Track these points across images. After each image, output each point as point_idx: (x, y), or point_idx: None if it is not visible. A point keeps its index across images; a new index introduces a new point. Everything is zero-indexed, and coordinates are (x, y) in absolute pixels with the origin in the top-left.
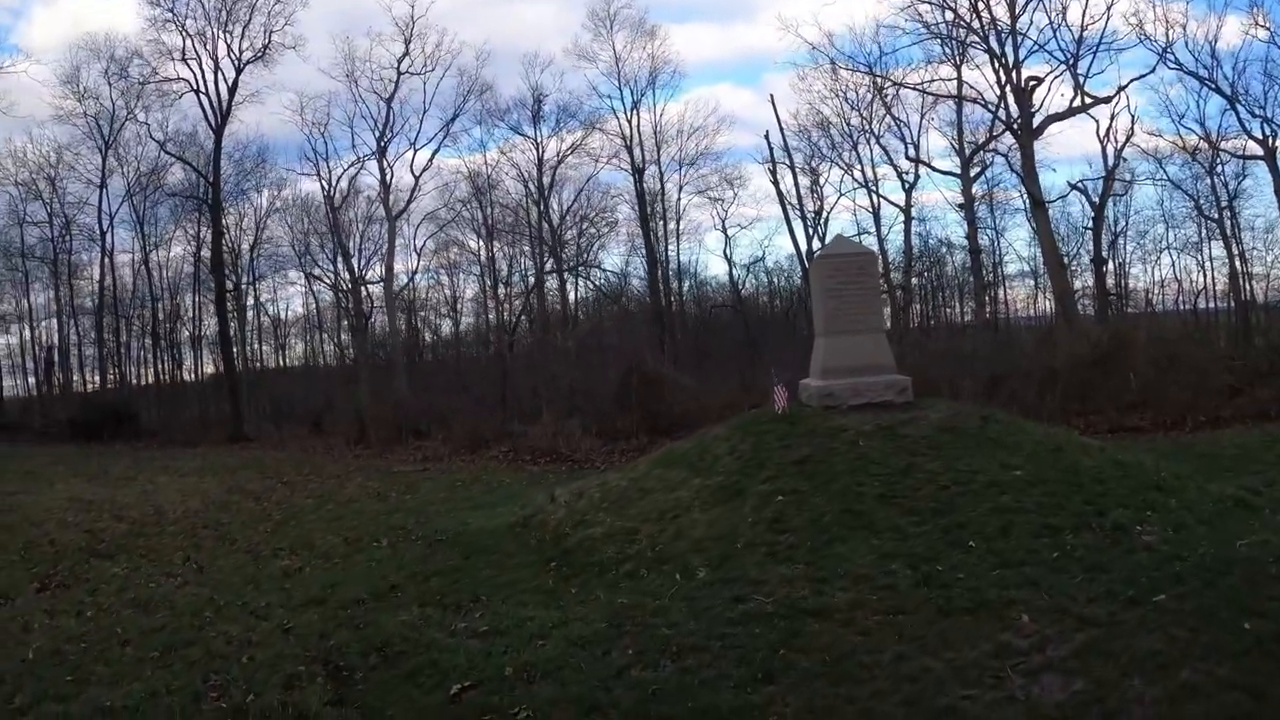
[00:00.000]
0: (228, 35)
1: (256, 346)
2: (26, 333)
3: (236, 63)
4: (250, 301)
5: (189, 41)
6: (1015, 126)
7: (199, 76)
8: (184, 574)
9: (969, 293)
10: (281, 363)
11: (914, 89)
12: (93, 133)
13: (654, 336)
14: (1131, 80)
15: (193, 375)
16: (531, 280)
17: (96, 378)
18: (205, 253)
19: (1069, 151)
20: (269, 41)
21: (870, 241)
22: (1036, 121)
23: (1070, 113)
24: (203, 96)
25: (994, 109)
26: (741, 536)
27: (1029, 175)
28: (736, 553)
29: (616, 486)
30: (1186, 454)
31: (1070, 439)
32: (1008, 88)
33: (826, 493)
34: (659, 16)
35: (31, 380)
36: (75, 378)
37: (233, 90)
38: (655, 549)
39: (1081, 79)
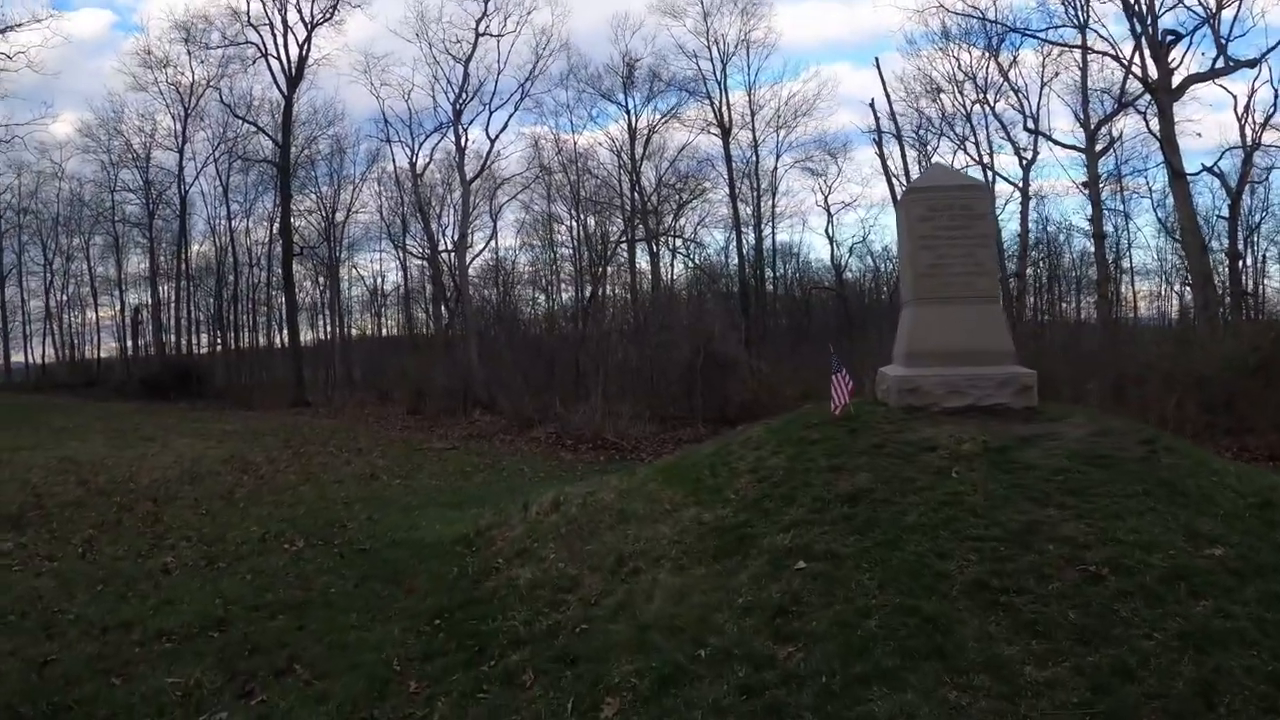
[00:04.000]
0: None
1: (355, 316)
2: (135, 297)
3: (307, 25)
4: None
5: (258, 4)
6: (1152, 85)
7: (269, 40)
8: (61, 560)
9: (1087, 287)
10: (379, 332)
11: (1034, 36)
12: (171, 102)
13: (733, 315)
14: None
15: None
16: (623, 251)
17: (185, 340)
18: (297, 221)
19: (1200, 143)
20: (337, 2)
21: None
22: (1176, 81)
23: (1212, 74)
24: (273, 60)
25: (1126, 64)
26: (716, 635)
27: (1168, 143)
28: (691, 673)
29: (599, 501)
30: None
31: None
32: (1143, 40)
33: (883, 566)
34: None
35: (130, 342)
36: (170, 339)
37: (303, 53)
38: (577, 630)
39: (1224, 39)
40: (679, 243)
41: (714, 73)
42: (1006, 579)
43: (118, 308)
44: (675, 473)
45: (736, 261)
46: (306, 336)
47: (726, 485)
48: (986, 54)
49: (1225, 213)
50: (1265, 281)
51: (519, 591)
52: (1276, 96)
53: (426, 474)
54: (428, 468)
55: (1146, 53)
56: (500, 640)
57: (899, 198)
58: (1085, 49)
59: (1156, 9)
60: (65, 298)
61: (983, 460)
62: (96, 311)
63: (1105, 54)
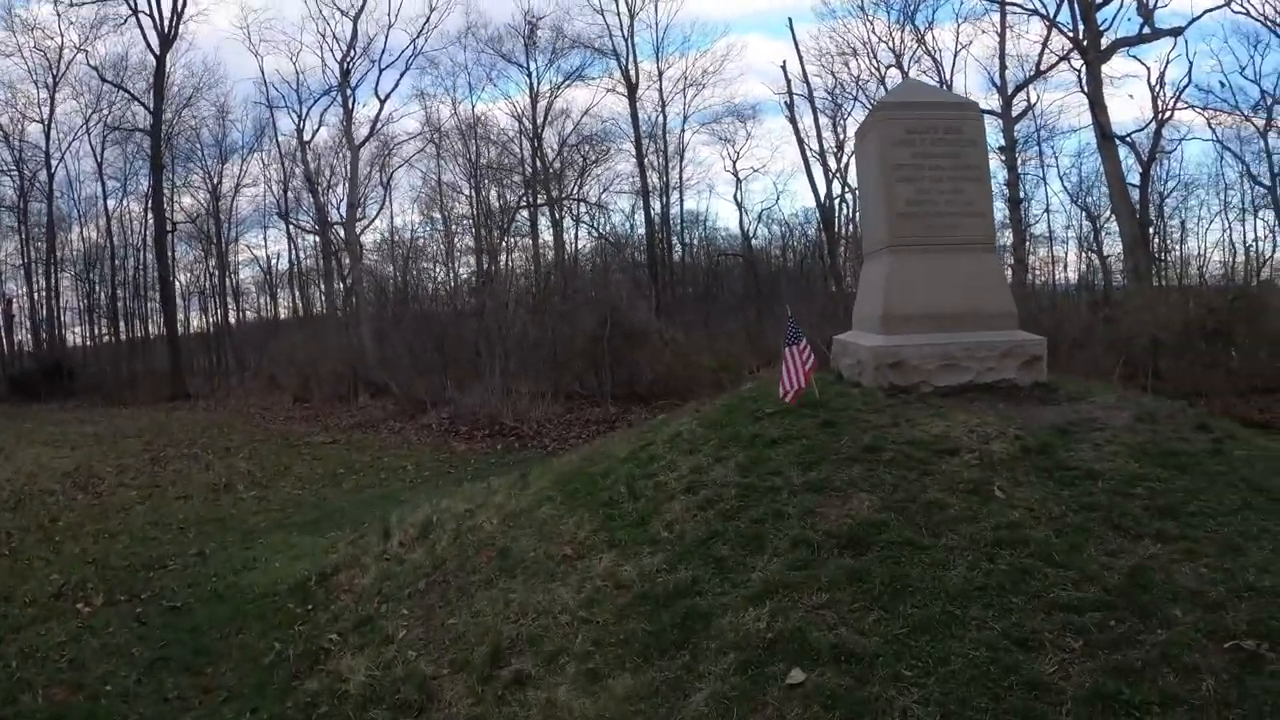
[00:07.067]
0: None
1: (251, 299)
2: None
3: None
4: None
5: None
6: (1081, 44)
7: None
8: None
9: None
10: (275, 315)
11: None
12: (38, 69)
13: (641, 284)
14: (1205, 12)
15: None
16: (523, 218)
17: (64, 334)
18: (183, 199)
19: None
20: None
21: None
22: (1104, 43)
23: (1139, 39)
24: (144, 18)
25: (1051, 20)
26: None
27: (1097, 104)
28: None
29: (477, 531)
30: None
31: None
32: None
33: (938, 674)
34: None
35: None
36: (47, 334)
37: (177, 8)
38: None
39: (1149, 7)
40: (583, 209)
41: (620, 28)
42: (1135, 681)
43: None
44: (579, 486)
45: (644, 228)
46: (196, 322)
47: (653, 513)
48: (902, 19)
49: (1136, 181)
50: (1171, 250)
51: (347, 708)
52: (1190, 69)
53: (291, 480)
54: (296, 470)
55: (1078, 12)
56: None
57: (866, 117)
58: (1005, 6)
59: None
60: None
61: (1026, 467)
62: None
63: (1033, 12)
